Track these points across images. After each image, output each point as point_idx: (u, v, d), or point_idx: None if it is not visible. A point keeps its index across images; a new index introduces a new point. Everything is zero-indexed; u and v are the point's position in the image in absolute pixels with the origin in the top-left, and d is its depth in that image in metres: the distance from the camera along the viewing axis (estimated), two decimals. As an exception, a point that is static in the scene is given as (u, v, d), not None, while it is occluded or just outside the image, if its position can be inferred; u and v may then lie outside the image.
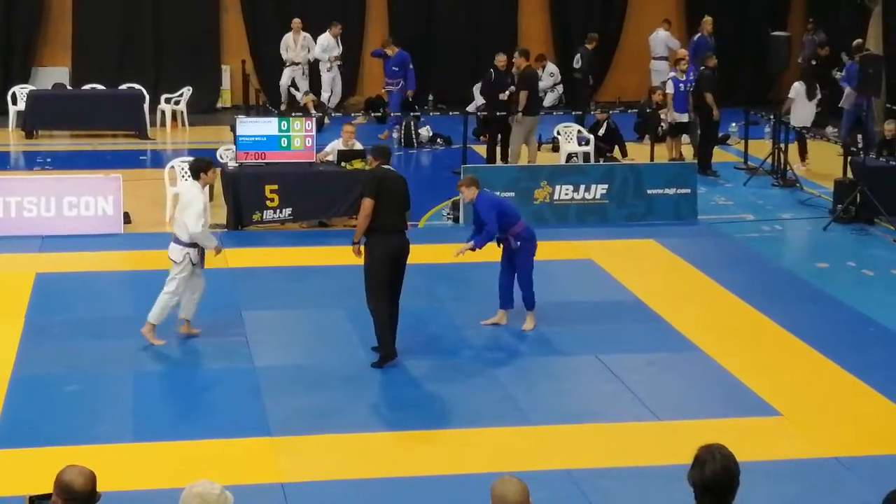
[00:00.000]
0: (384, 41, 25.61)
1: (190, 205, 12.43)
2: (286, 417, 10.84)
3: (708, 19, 25.76)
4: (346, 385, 11.68)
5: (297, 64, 26.14)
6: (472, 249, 12.93)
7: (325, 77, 26.34)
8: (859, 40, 24.68)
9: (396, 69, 24.89)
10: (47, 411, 10.96)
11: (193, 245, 12.51)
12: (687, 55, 22.98)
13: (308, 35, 26.11)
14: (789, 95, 21.92)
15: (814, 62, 25.96)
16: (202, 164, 12.80)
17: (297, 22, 26.03)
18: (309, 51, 26.09)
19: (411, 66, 24.90)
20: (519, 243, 12.99)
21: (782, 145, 20.87)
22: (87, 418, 10.82)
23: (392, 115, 24.53)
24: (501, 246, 13.16)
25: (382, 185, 12.03)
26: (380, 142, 22.96)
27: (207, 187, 13.13)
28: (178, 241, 12.57)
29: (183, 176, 17.91)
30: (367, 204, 11.98)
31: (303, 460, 10.07)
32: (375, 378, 11.87)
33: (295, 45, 26.07)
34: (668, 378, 12.16)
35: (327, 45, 26.05)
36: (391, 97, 25.12)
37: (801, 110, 21.78)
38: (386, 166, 12.37)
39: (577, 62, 25.35)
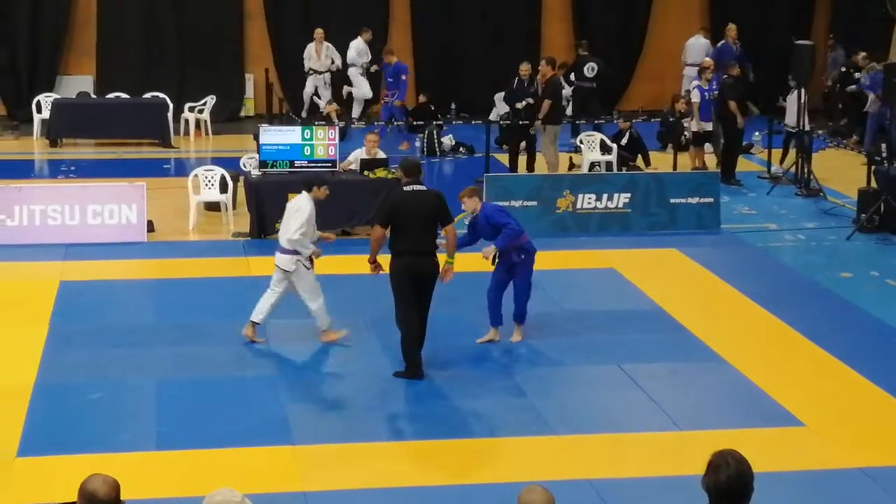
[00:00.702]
0: (384, 50, 25.57)
1: (297, 213, 12.58)
2: (308, 426, 10.86)
3: (732, 27, 25.73)
4: (368, 394, 11.70)
5: (319, 73, 26.15)
6: (499, 251, 12.82)
7: (360, 80, 26.24)
8: (863, 53, 24.68)
9: (391, 80, 24.94)
10: (71, 419, 11.01)
11: (297, 251, 12.68)
12: (712, 64, 22.95)
13: (331, 45, 26.12)
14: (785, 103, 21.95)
15: (838, 84, 25.96)
16: (313, 179, 12.89)
17: (319, 32, 26.01)
18: (333, 61, 26.09)
19: (404, 78, 24.90)
20: (522, 256, 12.90)
21: (805, 154, 20.80)
22: (111, 426, 10.85)
23: (383, 125, 24.16)
24: (497, 261, 13.00)
25: (400, 209, 11.95)
26: (401, 153, 23.04)
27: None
28: (284, 251, 12.77)
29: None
30: (374, 231, 12.14)
31: (325, 469, 10.08)
32: (397, 387, 11.87)
33: (318, 56, 26.07)
34: (691, 388, 12.13)
35: (361, 49, 26.03)
36: (383, 108, 25.15)
37: (793, 114, 21.84)
38: (412, 186, 12.17)
39: (591, 70, 25.30)
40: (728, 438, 10.47)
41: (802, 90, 21.53)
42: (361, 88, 26.26)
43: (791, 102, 21.89)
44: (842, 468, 10.25)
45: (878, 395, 11.78)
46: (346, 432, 10.75)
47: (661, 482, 9.93)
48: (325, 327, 13.01)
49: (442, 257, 12.22)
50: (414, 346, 12.02)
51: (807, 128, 21.28)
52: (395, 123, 24.81)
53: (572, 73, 25.23)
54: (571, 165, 22.02)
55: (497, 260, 12.86)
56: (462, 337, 13.33)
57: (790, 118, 21.82)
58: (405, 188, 12.20)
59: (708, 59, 23.69)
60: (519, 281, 13.01)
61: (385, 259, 12.24)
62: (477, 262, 13.08)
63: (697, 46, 26.93)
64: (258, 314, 12.97)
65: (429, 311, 12.15)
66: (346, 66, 26.10)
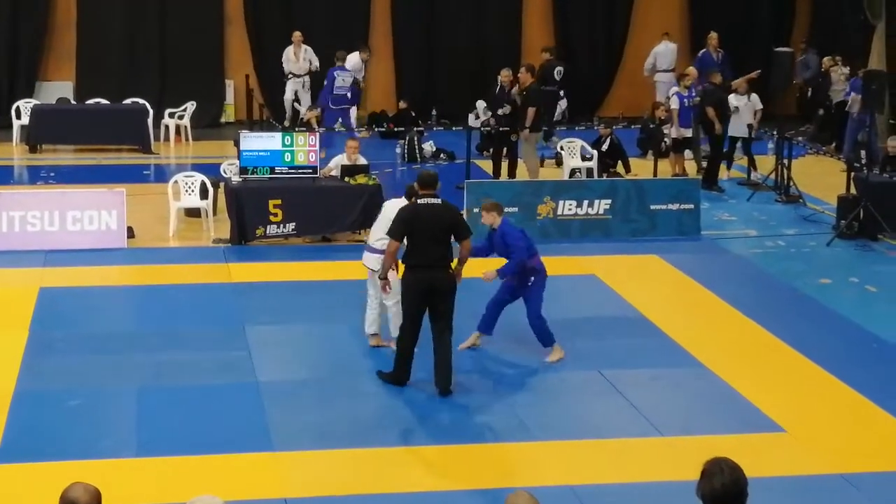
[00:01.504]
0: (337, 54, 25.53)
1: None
2: (289, 432, 10.84)
3: (713, 35, 25.79)
4: (349, 400, 11.68)
5: (298, 76, 26.11)
6: (500, 278, 12.74)
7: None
8: (827, 58, 24.82)
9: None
10: (51, 426, 10.96)
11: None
12: (694, 72, 23.02)
13: (309, 48, 26.08)
14: (734, 104, 21.99)
15: (810, 89, 26.15)
16: (413, 191, 12.64)
17: (297, 35, 25.96)
18: (311, 63, 26.07)
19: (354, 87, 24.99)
20: (533, 278, 12.83)
21: (785, 161, 20.88)
22: (91, 433, 10.81)
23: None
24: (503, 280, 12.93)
25: (416, 221, 11.74)
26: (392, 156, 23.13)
27: None
28: (373, 251, 12.87)
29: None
30: (389, 245, 11.91)
31: (306, 475, 10.06)
32: (379, 393, 11.86)
33: (296, 59, 26.04)
34: (672, 394, 12.15)
35: (359, 66, 26.01)
36: (330, 115, 25.20)
37: (739, 120, 21.90)
38: (427, 199, 11.88)
39: (558, 74, 25.40)
40: (709, 444, 10.47)
41: (753, 96, 21.80)
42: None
43: (745, 109, 21.95)
44: (822, 474, 10.28)
45: (859, 401, 11.82)
46: (327, 439, 10.73)
47: (642, 488, 9.93)
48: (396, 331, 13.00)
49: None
50: (406, 359, 11.93)
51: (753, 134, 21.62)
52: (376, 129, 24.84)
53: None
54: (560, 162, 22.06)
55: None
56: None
57: (734, 129, 21.92)
58: (419, 201, 11.99)
59: (691, 67, 23.73)
60: (532, 303, 12.77)
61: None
62: (471, 269, 13.06)
63: (667, 52, 27.09)
64: (370, 325, 13.11)
65: (451, 325, 11.85)
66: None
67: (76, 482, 5.90)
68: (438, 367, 11.85)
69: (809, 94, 26.25)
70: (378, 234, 12.83)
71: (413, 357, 12.00)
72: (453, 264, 11.94)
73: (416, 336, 11.95)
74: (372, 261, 12.86)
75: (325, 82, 25.06)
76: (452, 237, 11.88)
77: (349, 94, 25.12)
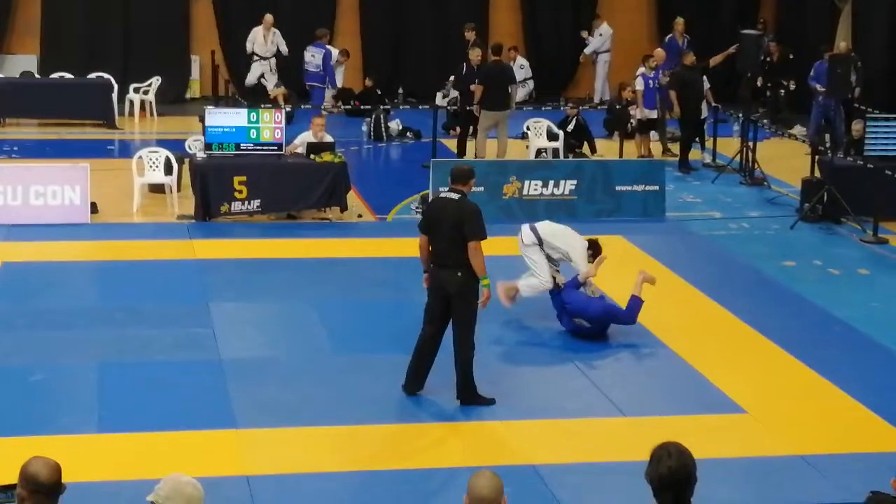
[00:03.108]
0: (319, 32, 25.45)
1: None
2: (252, 409, 10.82)
3: (679, 20, 25.82)
4: (312, 378, 11.67)
5: (264, 59, 25.92)
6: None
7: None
8: (773, 42, 24.82)
9: (319, 66, 24.94)
10: (11, 401, 10.90)
11: None
12: (660, 52, 23.07)
13: (278, 32, 25.92)
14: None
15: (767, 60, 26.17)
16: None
17: (269, 18, 25.67)
18: (278, 48, 25.90)
19: (331, 63, 24.86)
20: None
21: (750, 143, 20.95)
22: (52, 409, 10.76)
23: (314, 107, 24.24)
24: None
25: (430, 216, 11.23)
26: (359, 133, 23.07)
27: None
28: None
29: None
30: (419, 240, 11.33)
31: (268, 453, 10.05)
32: (341, 372, 11.85)
33: (265, 42, 25.85)
34: (635, 374, 12.20)
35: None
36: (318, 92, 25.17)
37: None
38: (449, 193, 11.22)
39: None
40: (671, 424, 10.55)
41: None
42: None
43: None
44: (782, 455, 10.34)
45: (820, 383, 11.89)
46: (289, 416, 10.72)
47: (605, 467, 9.97)
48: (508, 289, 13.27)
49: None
50: (413, 361, 11.30)
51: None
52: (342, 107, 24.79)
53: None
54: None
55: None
56: (408, 321, 13.29)
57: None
58: (440, 194, 11.71)
59: (658, 49, 23.76)
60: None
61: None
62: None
63: (606, 34, 27.56)
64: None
65: (463, 333, 11.04)
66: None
67: (36, 457, 5.88)
68: (456, 376, 11.26)
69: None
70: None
71: (424, 365, 11.27)
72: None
73: (427, 340, 11.20)
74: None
75: (329, 61, 24.93)
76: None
77: (321, 72, 24.97)
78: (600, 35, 27.88)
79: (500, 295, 13.11)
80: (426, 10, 27.85)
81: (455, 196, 11.12)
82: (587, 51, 28.00)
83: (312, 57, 24.95)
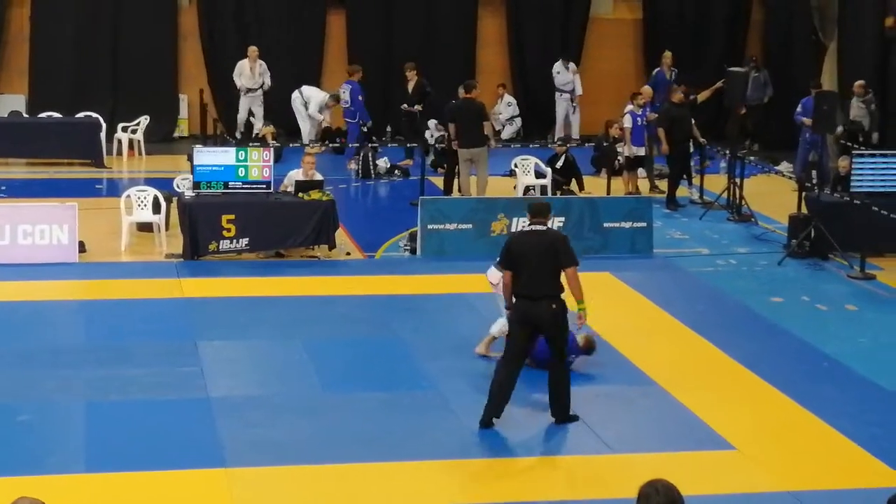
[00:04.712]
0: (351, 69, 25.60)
1: None
2: (241, 448, 10.78)
3: (668, 54, 25.97)
4: (301, 417, 11.64)
5: (253, 91, 26.07)
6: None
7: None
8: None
9: (347, 101, 25.01)
10: (-1, 441, 10.87)
11: None
12: (649, 91, 23.19)
13: (263, 63, 26.06)
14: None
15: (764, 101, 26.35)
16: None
17: (253, 50, 25.94)
18: (264, 81, 26.02)
19: (360, 98, 24.91)
20: None
21: (737, 180, 21.02)
22: (39, 448, 10.72)
23: (349, 145, 24.61)
24: None
25: (515, 250, 11.44)
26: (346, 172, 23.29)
27: None
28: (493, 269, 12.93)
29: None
30: (504, 276, 11.61)
31: (257, 492, 10.02)
32: (331, 410, 11.82)
33: (252, 74, 26.00)
34: (624, 411, 12.18)
35: (323, 104, 26.24)
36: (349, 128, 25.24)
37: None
38: (532, 226, 11.64)
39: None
40: (660, 461, 10.54)
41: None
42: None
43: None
44: (772, 491, 10.32)
45: (808, 420, 11.89)
46: (278, 455, 10.68)
47: (594, 505, 9.95)
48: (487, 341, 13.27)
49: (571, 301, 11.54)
50: (493, 395, 11.38)
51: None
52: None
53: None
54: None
55: None
56: (396, 359, 13.31)
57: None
58: (524, 228, 11.82)
59: (646, 87, 23.88)
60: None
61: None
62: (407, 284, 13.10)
63: (564, 73, 27.76)
64: (493, 326, 13.22)
65: (562, 360, 11.50)
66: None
67: (23, 496, 5.86)
68: (550, 397, 11.58)
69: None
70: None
71: (505, 396, 11.38)
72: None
73: (510, 374, 11.36)
74: (491, 275, 12.95)
75: (360, 98, 24.88)
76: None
77: (352, 108, 25.01)
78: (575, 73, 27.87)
79: (480, 351, 13.30)
80: (414, 48, 27.91)
81: (543, 228, 11.61)
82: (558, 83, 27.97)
83: (343, 94, 25.07)
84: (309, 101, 26.29)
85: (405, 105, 24.57)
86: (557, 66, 27.72)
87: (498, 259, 12.33)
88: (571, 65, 27.79)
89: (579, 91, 27.73)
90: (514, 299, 11.43)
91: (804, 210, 18.85)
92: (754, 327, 14.95)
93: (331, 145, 25.95)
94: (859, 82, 23.20)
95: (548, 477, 10.52)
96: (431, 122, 24.97)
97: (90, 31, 26.84)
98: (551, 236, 11.60)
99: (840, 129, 22.59)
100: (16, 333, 13.91)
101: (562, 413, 11.56)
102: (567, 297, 11.38)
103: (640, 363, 13.28)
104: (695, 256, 18.37)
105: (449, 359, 13.24)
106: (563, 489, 10.28)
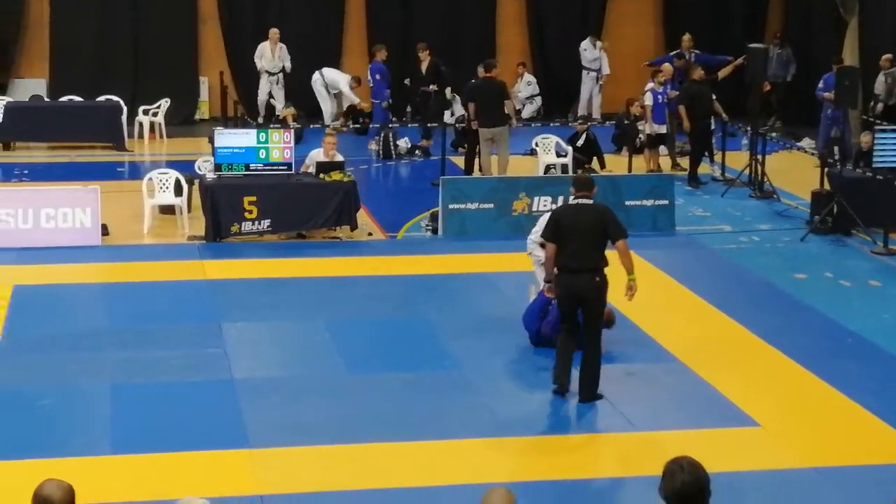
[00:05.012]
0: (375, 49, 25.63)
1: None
2: (265, 429, 10.82)
3: (687, 37, 25.79)
4: (324, 397, 11.67)
5: (272, 74, 26.13)
6: None
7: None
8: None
9: (370, 81, 25.05)
10: (24, 424, 10.91)
11: None
12: (669, 67, 23.12)
13: (284, 46, 26.12)
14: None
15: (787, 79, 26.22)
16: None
17: (274, 32, 26.04)
18: (283, 63, 26.07)
19: (378, 77, 24.89)
20: None
21: (759, 157, 20.95)
22: (65, 431, 10.77)
23: (371, 125, 24.65)
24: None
25: (561, 223, 11.51)
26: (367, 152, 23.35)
27: None
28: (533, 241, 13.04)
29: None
30: (547, 248, 11.65)
31: (282, 472, 10.05)
32: (354, 390, 11.84)
33: (272, 56, 26.06)
34: (647, 388, 12.17)
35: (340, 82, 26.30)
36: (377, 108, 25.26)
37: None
38: (579, 199, 11.66)
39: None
40: (684, 439, 10.53)
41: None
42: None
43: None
44: (796, 468, 10.31)
45: (832, 396, 11.87)
46: (302, 435, 10.71)
47: (618, 482, 9.96)
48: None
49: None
50: (560, 361, 11.62)
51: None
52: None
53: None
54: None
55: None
56: (420, 338, 13.32)
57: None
58: (570, 201, 11.87)
59: (667, 64, 23.80)
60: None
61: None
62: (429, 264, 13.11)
63: (591, 50, 27.52)
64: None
65: (597, 334, 11.56)
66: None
67: (49, 479, 5.90)
68: (581, 375, 11.61)
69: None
70: (537, 226, 12.99)
71: (571, 365, 11.63)
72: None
73: (571, 342, 11.58)
74: (537, 250, 12.98)
75: (378, 77, 24.91)
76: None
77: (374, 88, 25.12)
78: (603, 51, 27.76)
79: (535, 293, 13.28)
80: (433, 29, 27.86)
81: (589, 202, 11.59)
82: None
83: (369, 74, 25.12)
84: (332, 84, 26.30)
85: (409, 83, 24.46)
86: (585, 43, 27.59)
87: (538, 232, 12.30)
88: (599, 43, 27.65)
89: (606, 70, 27.54)
90: (558, 273, 11.46)
91: (826, 186, 18.77)
92: (777, 304, 14.92)
93: (353, 126, 25.96)
94: (887, 56, 23.06)
95: (572, 455, 10.52)
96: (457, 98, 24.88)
97: (111, 14, 26.89)
98: (599, 209, 11.62)
99: (881, 106, 22.53)
100: (40, 317, 13.96)
101: (590, 392, 11.55)
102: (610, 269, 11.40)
103: (662, 340, 13.27)
104: (717, 233, 18.33)
105: (471, 338, 13.25)
106: (588, 467, 10.29)
